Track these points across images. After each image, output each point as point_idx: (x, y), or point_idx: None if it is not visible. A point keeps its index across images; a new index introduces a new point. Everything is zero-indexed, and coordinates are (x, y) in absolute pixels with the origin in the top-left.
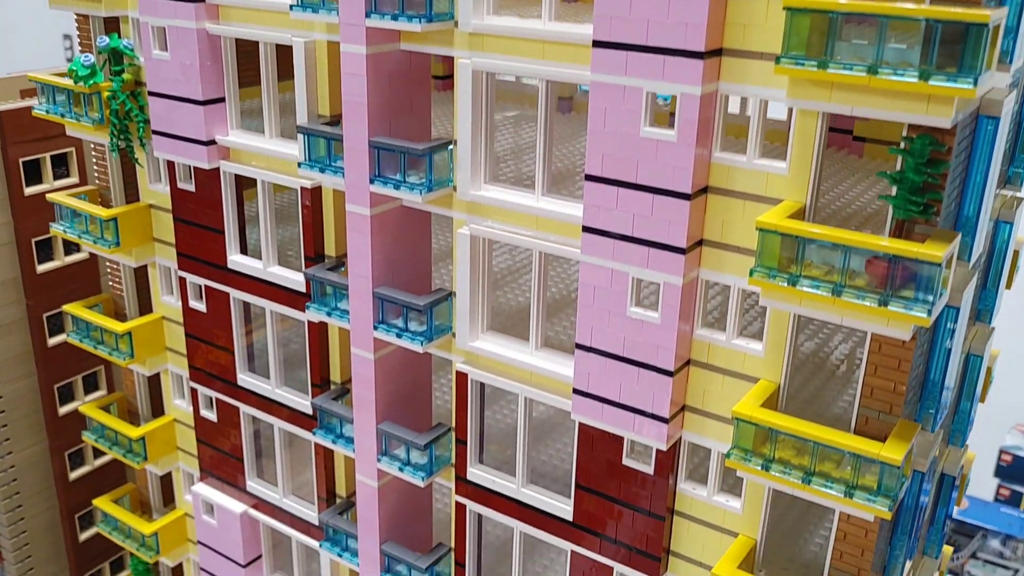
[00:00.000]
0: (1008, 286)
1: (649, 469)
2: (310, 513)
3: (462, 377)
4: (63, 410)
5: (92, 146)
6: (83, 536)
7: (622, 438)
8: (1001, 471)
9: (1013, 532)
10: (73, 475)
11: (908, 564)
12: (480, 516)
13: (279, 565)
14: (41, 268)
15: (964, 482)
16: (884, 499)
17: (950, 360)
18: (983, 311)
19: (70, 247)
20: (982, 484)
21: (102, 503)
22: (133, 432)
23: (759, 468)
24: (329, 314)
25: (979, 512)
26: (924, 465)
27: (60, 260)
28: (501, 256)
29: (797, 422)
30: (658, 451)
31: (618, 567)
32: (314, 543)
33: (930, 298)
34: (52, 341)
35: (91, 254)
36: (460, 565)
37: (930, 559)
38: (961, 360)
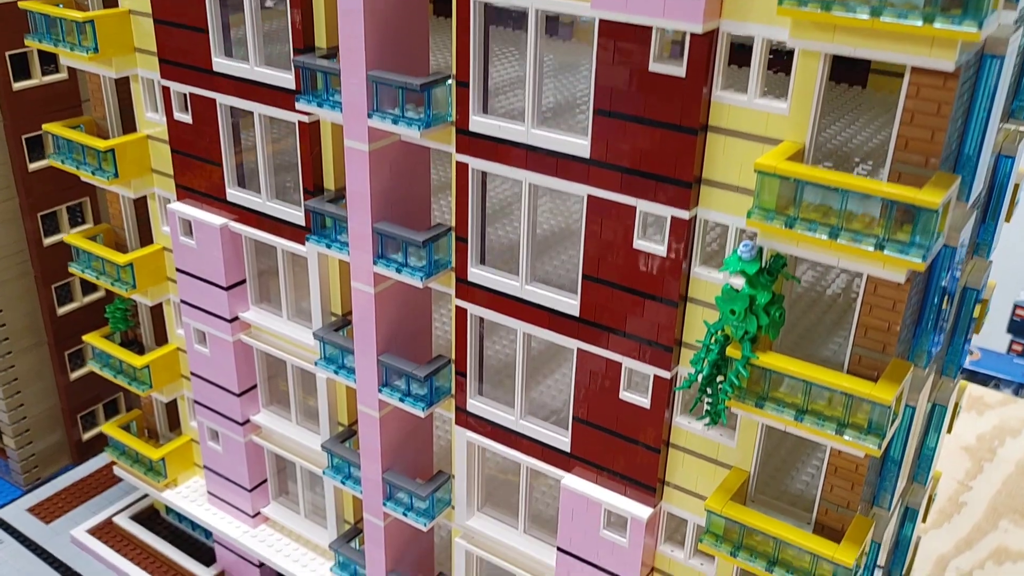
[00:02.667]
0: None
1: (681, 72)
2: (296, 213)
3: None
4: (33, 166)
5: None
6: (62, 310)
7: (648, 39)
8: (1014, 326)
9: None
10: (47, 240)
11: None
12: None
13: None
14: None
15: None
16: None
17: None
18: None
19: None
20: (995, 339)
21: (75, 239)
22: (100, 144)
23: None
24: None
25: (991, 362)
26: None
27: None
28: None
29: None
30: (692, 42)
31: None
32: (301, 248)
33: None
34: (17, 85)
35: None
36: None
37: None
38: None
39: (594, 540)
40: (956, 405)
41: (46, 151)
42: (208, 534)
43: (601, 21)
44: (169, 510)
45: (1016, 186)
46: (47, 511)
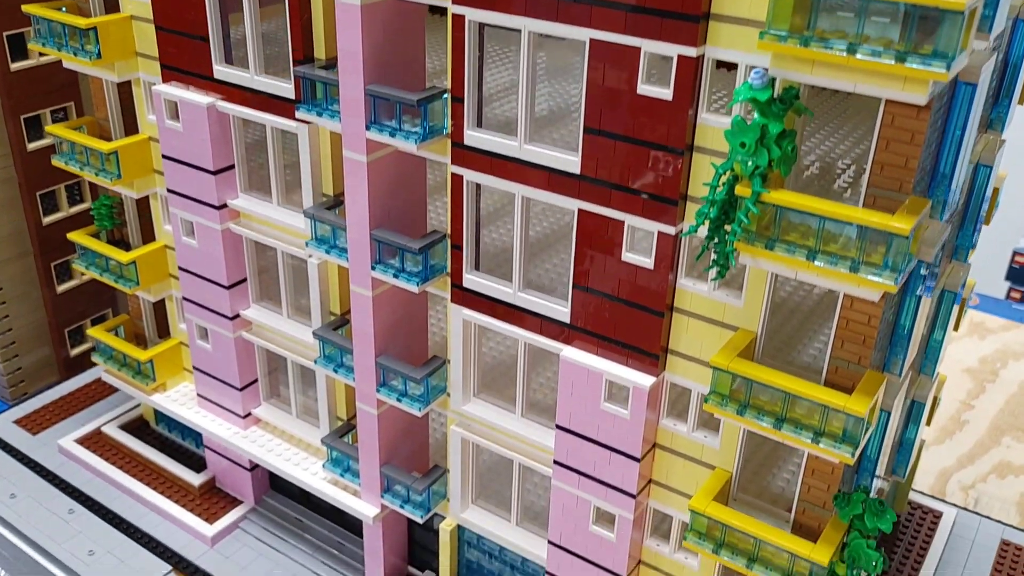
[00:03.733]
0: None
1: None
2: (286, 87)
3: None
4: (16, 66)
5: None
6: (47, 220)
7: None
8: (1013, 274)
9: None
10: (32, 145)
11: None
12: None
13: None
14: None
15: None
16: None
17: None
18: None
19: None
20: (993, 286)
21: (56, 129)
22: (82, 21)
23: None
24: None
25: (990, 308)
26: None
27: None
28: None
29: None
30: None
31: None
32: (291, 124)
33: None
34: None
35: None
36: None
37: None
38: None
39: (594, 414)
40: (964, 302)
41: (27, 39)
42: (198, 442)
43: None
44: (159, 420)
45: (996, 190)
46: (34, 423)
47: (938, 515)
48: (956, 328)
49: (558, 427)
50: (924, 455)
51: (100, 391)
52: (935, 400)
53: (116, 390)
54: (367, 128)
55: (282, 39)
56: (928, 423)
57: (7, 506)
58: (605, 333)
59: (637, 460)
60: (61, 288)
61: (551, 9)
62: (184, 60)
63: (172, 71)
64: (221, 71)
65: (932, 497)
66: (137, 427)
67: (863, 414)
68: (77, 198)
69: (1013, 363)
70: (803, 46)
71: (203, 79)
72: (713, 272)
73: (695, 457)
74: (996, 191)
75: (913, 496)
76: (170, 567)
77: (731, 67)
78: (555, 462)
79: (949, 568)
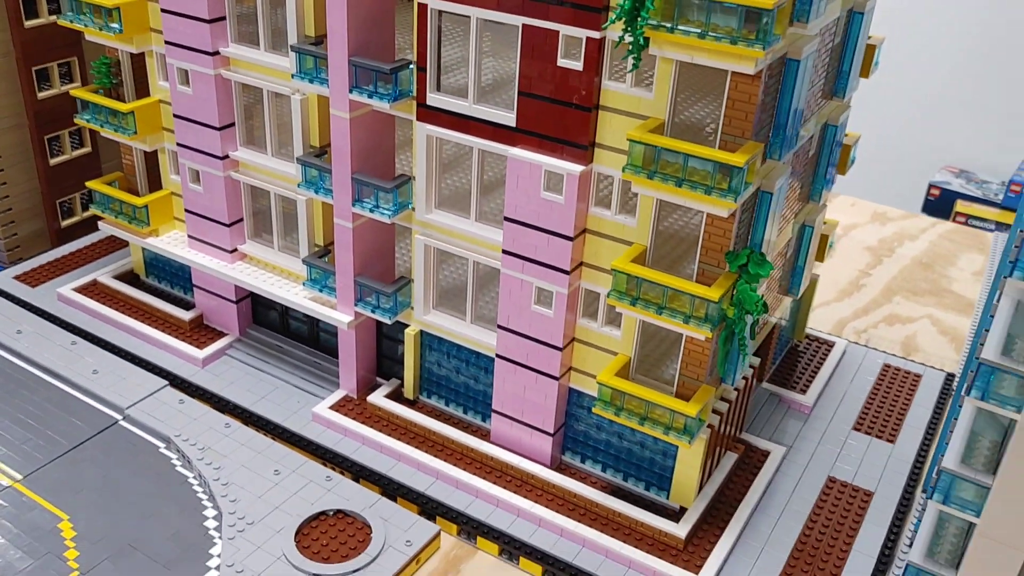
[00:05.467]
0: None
1: None
2: None
3: None
4: None
5: None
6: (42, 95)
7: None
8: (928, 205)
9: None
10: (29, 23)
11: None
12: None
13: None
14: None
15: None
16: None
17: None
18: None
19: None
20: None
21: None
22: None
23: None
24: None
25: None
26: None
27: None
28: None
29: None
30: None
31: None
32: None
33: None
34: None
35: None
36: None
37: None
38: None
39: (536, 204)
40: (848, 145)
41: None
42: (186, 289)
43: None
44: (148, 272)
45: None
46: (32, 278)
47: (831, 345)
48: (843, 171)
49: (506, 219)
50: (823, 311)
51: (92, 254)
52: (825, 239)
53: (108, 251)
54: None
55: None
56: (820, 259)
57: (14, 339)
58: (544, 132)
59: (571, 239)
60: (54, 161)
61: None
62: None
63: None
64: None
65: (828, 335)
66: (128, 280)
67: (742, 164)
68: (66, 79)
69: (909, 243)
70: None
71: None
72: (629, 62)
73: (617, 236)
74: (847, 148)
75: (810, 332)
76: (167, 382)
77: None
78: (503, 251)
79: (838, 384)
